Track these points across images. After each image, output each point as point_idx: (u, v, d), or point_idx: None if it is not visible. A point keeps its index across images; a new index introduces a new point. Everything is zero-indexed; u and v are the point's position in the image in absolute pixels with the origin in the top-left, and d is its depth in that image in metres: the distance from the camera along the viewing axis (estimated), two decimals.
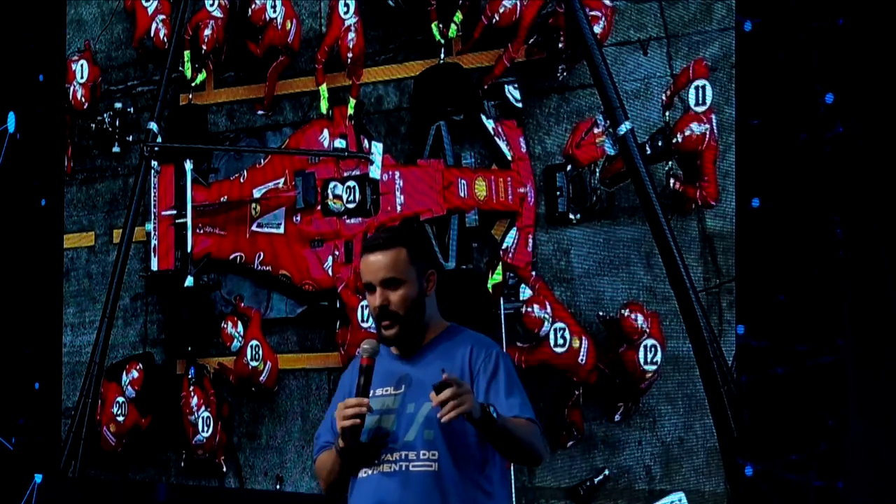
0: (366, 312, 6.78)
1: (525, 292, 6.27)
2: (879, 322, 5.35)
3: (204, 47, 7.48)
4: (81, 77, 7.97)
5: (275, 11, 7.19)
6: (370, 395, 3.69)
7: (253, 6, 7.28)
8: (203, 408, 7.39)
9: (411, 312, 3.72)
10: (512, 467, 3.80)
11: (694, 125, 5.83)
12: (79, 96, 7.98)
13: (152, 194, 7.65)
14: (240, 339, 7.28)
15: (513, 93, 6.41)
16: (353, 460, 3.73)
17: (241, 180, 7.32)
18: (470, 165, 6.55)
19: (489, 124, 6.46)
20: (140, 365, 7.68)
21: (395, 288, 3.70)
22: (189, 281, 7.48)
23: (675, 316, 5.83)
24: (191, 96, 7.56)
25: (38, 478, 8.00)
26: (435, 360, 3.73)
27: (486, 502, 3.75)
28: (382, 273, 3.70)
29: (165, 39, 7.63)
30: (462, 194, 6.53)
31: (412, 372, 3.75)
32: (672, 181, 5.89)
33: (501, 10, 6.40)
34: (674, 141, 5.88)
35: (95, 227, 7.92)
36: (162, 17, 7.65)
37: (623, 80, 6.03)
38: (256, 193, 7.25)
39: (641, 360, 5.91)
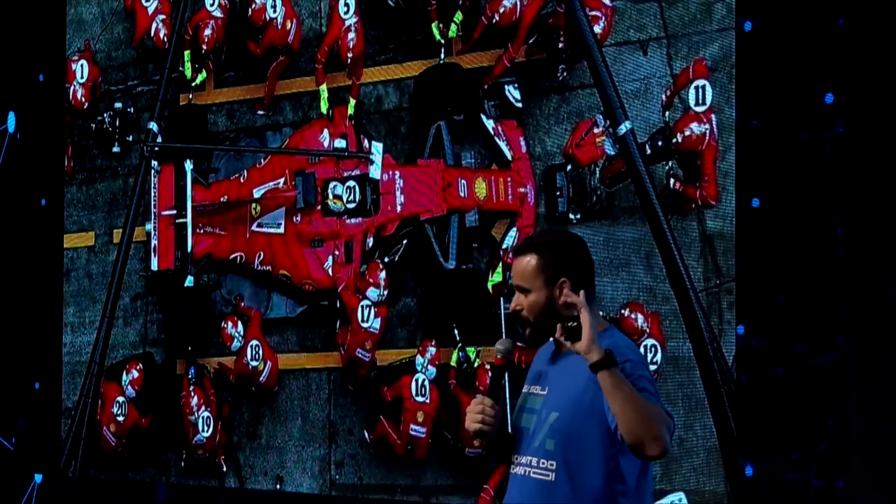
0: (366, 312, 6.79)
1: None
2: (879, 322, 5.35)
3: (204, 47, 7.48)
4: (81, 77, 7.97)
5: (275, 11, 7.19)
6: (524, 389, 3.79)
7: (253, 6, 7.27)
8: (203, 408, 7.39)
9: (540, 318, 3.73)
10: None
11: (694, 125, 5.83)
12: (79, 96, 7.98)
13: (152, 194, 7.65)
14: (240, 338, 7.28)
15: (513, 93, 6.41)
16: (495, 451, 3.81)
17: (241, 180, 7.32)
18: (470, 165, 6.55)
19: (489, 124, 6.46)
20: (140, 365, 7.68)
21: (525, 294, 3.74)
22: (189, 281, 7.48)
23: (675, 316, 5.83)
24: (191, 96, 7.56)
25: (38, 478, 8.00)
26: (569, 366, 3.73)
27: None
28: (515, 279, 3.77)
29: (165, 39, 7.63)
30: (462, 194, 6.53)
31: (553, 375, 3.77)
32: (672, 181, 5.88)
33: (501, 10, 6.40)
34: (674, 141, 5.88)
35: (95, 227, 7.92)
36: (162, 16, 7.65)
37: (623, 80, 6.03)
38: (256, 193, 7.25)
39: None
